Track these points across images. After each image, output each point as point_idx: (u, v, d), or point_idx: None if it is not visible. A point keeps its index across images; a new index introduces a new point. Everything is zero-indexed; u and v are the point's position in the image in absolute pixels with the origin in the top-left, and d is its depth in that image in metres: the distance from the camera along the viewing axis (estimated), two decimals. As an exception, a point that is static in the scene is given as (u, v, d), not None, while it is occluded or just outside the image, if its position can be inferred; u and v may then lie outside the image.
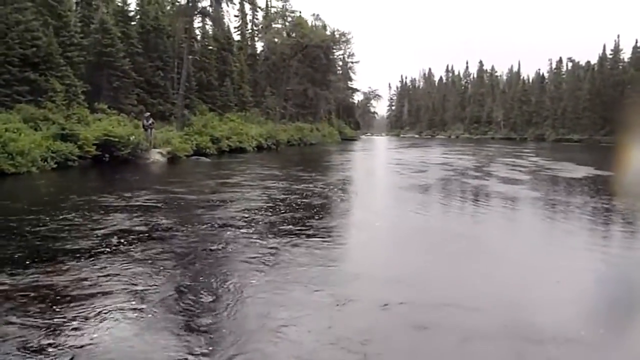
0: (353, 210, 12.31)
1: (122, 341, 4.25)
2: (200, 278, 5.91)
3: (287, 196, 12.90)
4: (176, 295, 5.34)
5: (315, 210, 11.07)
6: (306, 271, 6.29)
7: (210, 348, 4.16)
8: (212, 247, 7.40)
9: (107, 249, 6.99)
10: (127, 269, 6.13)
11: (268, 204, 11.63)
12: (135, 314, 4.80)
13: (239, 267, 6.43)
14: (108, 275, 5.89)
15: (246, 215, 9.95)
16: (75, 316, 4.69)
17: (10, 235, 7.82)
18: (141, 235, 7.98)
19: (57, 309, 4.85)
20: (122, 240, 7.52)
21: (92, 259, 6.51)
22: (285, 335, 4.42)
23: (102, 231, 8.13)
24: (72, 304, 4.99)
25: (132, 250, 7.00)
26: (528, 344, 4.40)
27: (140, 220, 9.12)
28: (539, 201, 13.27)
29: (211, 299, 5.23)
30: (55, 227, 8.40)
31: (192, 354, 4.05)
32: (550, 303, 5.44)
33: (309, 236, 8.31)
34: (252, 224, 9.13)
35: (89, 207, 10.43)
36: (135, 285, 5.57)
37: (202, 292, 5.42)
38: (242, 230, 8.53)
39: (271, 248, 7.37)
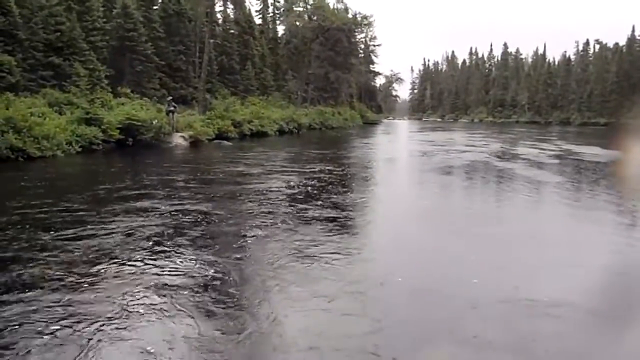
0: (376, 190, 12.28)
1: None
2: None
3: (313, 175, 13.03)
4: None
5: (341, 189, 11.17)
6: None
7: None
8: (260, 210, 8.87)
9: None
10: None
11: (296, 182, 11.94)
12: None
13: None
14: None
15: (279, 191, 10.34)
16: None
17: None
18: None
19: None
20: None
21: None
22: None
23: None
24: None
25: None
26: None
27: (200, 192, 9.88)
28: (565, 186, 13.05)
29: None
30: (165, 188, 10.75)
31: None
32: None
33: (333, 207, 8.64)
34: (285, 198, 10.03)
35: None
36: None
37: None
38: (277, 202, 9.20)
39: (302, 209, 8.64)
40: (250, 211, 8.89)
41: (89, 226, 7.39)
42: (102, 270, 5.47)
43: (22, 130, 16.10)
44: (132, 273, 5.41)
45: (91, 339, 3.91)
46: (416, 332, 4.29)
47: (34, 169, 14.52)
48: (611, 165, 18.26)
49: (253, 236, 7.13)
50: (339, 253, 6.27)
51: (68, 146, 17.64)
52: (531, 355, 3.90)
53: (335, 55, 59.66)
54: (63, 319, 4.24)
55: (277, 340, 4.02)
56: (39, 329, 4.06)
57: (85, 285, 5.01)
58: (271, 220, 8.04)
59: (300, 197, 10.50)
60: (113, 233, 7.02)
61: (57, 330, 4.04)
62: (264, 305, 4.68)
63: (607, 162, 19.04)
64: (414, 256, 6.57)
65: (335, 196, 10.56)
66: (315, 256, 6.11)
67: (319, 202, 9.72)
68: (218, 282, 5.21)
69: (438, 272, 5.85)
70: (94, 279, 5.21)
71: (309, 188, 11.58)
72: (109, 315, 4.33)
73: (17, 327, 4.08)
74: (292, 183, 12.18)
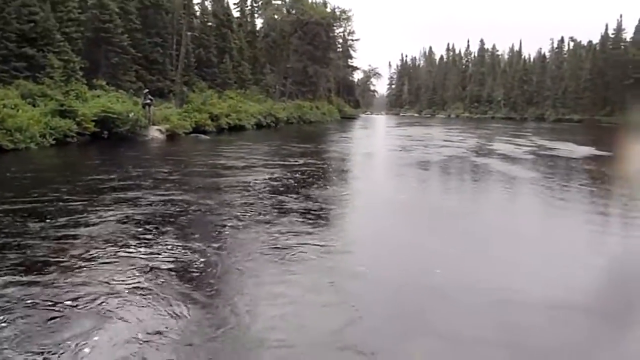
0: (354, 184, 12.34)
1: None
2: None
3: (292, 169, 13.04)
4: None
5: (320, 182, 11.20)
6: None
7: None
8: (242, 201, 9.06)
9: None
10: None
11: (275, 175, 11.97)
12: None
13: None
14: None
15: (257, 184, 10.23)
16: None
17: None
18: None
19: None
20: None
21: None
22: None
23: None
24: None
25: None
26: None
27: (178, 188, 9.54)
28: (538, 180, 13.28)
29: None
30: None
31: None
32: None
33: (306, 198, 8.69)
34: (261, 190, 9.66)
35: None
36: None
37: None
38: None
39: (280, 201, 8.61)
40: (233, 202, 9.03)
41: (79, 215, 7.61)
42: (94, 256, 5.68)
43: (-6, 122, 15.80)
44: (122, 260, 5.60)
45: (82, 318, 4.14)
46: (390, 324, 4.34)
47: (12, 161, 14.30)
48: (583, 161, 18.59)
49: (234, 226, 7.24)
50: (315, 245, 6.35)
51: (42, 139, 17.32)
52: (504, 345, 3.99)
53: (314, 49, 59.64)
54: (57, 301, 4.43)
55: (251, 332, 4.05)
56: (35, 309, 4.28)
57: (78, 270, 5.24)
58: (251, 211, 8.20)
59: (280, 189, 10.59)
60: (104, 221, 7.25)
61: (51, 311, 4.24)
62: (238, 294, 4.76)
63: (580, 158, 19.38)
64: (388, 249, 6.68)
65: (313, 189, 10.59)
66: (292, 247, 6.21)
67: (298, 195, 9.81)
68: (199, 271, 5.34)
69: (411, 265, 5.96)
70: (86, 263, 5.44)
71: (289, 181, 11.68)
72: (97, 298, 4.52)
73: (16, 307, 4.30)
74: (271, 176, 12.21)
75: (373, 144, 28.79)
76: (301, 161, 15.72)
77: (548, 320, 4.41)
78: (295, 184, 11.32)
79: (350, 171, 15.51)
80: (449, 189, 12.63)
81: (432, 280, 5.34)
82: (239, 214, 8.05)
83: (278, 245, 6.29)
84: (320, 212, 8.50)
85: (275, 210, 8.37)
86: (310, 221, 7.73)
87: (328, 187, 11.41)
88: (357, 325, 4.24)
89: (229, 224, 7.35)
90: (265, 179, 11.78)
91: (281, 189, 10.71)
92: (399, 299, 4.92)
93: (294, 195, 9.78)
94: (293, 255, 5.94)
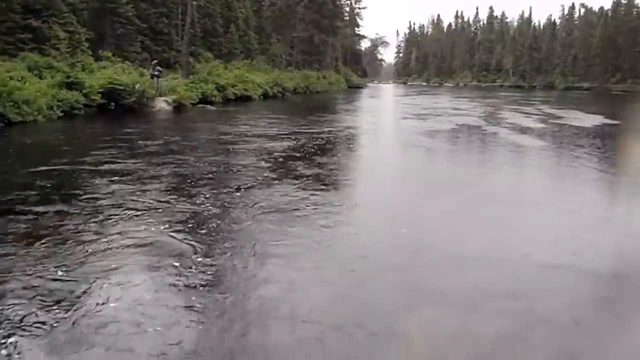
0: (364, 152, 12.39)
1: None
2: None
3: (304, 137, 13.27)
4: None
5: (331, 148, 11.49)
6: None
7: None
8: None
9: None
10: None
11: (288, 144, 12.40)
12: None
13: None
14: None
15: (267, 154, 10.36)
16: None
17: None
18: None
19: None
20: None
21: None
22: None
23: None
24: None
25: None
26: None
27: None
28: (545, 149, 13.26)
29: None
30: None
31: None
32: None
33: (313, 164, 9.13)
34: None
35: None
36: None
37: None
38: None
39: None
40: (257, 165, 9.82)
41: (137, 173, 8.79)
42: (161, 201, 6.91)
43: (2, 95, 15.74)
44: (178, 207, 6.69)
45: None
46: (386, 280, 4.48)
47: (35, 132, 14.75)
48: (591, 130, 18.44)
49: (258, 184, 8.15)
50: (321, 205, 6.91)
51: (49, 111, 17.29)
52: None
53: (320, 18, 58.86)
54: (146, 233, 5.60)
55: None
56: (131, 240, 5.38)
57: (151, 211, 6.44)
58: (273, 172, 9.12)
59: (298, 155, 11.20)
60: (159, 177, 8.56)
61: (143, 239, 5.41)
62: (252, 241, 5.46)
63: (588, 127, 19.21)
64: (389, 213, 7.01)
65: (328, 157, 11.07)
66: (299, 208, 6.82)
67: (314, 162, 10.28)
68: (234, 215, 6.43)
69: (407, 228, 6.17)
70: (157, 206, 6.68)
71: (307, 148, 12.13)
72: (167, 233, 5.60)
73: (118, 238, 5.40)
74: (289, 144, 12.65)
75: (383, 113, 28.69)
76: (312, 131, 15.73)
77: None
78: (313, 151, 11.80)
79: (362, 140, 15.55)
80: (456, 158, 12.55)
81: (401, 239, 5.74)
82: (264, 174, 8.89)
83: (286, 206, 6.90)
84: (336, 178, 9.22)
85: (290, 174, 8.98)
86: (323, 185, 8.33)
87: (342, 155, 11.99)
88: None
89: (254, 183, 8.17)
90: (284, 146, 12.25)
91: (298, 155, 11.27)
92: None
93: (312, 161, 10.31)
94: (302, 211, 6.65)
